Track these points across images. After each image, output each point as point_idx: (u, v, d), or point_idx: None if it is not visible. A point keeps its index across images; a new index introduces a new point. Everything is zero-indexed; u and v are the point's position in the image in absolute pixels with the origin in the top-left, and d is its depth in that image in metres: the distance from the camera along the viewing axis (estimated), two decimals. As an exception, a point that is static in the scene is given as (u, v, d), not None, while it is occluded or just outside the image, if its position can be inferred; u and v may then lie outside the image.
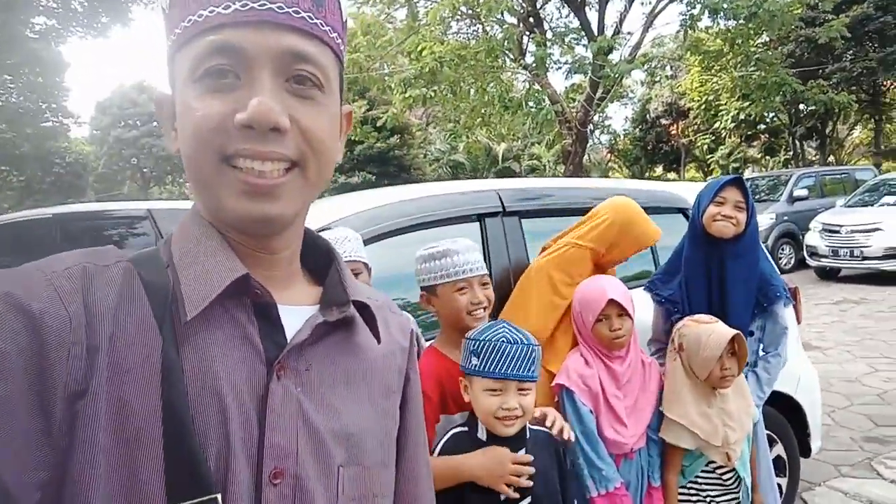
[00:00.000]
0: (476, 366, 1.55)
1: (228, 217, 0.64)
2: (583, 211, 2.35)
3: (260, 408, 0.63)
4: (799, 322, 2.99)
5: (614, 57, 11.47)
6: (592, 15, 12.43)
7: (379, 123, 14.54)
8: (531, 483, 1.54)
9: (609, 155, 31.05)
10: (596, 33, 11.87)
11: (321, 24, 0.65)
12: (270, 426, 0.62)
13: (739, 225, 2.14)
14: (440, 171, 26.49)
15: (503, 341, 1.55)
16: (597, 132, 24.94)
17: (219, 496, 0.58)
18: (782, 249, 11.46)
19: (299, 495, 0.64)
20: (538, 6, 12.77)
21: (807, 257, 10.64)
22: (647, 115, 28.37)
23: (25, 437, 0.53)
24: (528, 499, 1.54)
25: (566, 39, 12.26)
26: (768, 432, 2.55)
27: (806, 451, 2.96)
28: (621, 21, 12.27)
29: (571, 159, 13.17)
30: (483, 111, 13.91)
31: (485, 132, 18.22)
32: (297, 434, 0.64)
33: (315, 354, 0.69)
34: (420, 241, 1.91)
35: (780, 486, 2.78)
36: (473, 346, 1.58)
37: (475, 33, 13.09)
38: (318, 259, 0.78)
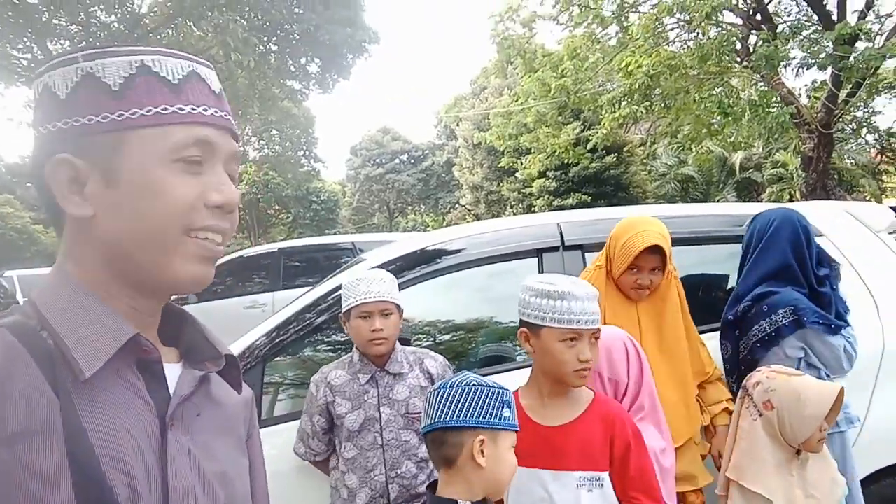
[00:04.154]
0: (508, 418, 1.40)
1: (180, 279, 0.74)
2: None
3: (159, 456, 0.70)
4: None
5: (862, 46, 9.77)
6: (832, 1, 10.74)
7: (589, 146, 14.29)
8: None
9: (879, 156, 26.18)
10: (836, 20, 10.23)
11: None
12: (172, 472, 0.70)
13: None
14: (667, 186, 24.97)
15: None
16: (862, 131, 21.31)
17: None
18: None
19: None
20: (766, 1, 11.47)
21: None
22: (931, 105, 23.34)
23: None
24: None
25: (804, 33, 10.80)
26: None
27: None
28: (869, 4, 10.39)
29: (814, 166, 11.50)
30: (707, 120, 12.89)
31: (715, 142, 16.82)
32: (192, 477, 0.72)
33: (196, 405, 0.77)
34: (475, 278, 1.91)
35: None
36: (506, 395, 1.42)
37: (692, 40, 12.21)
38: (168, 322, 0.84)
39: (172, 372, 0.77)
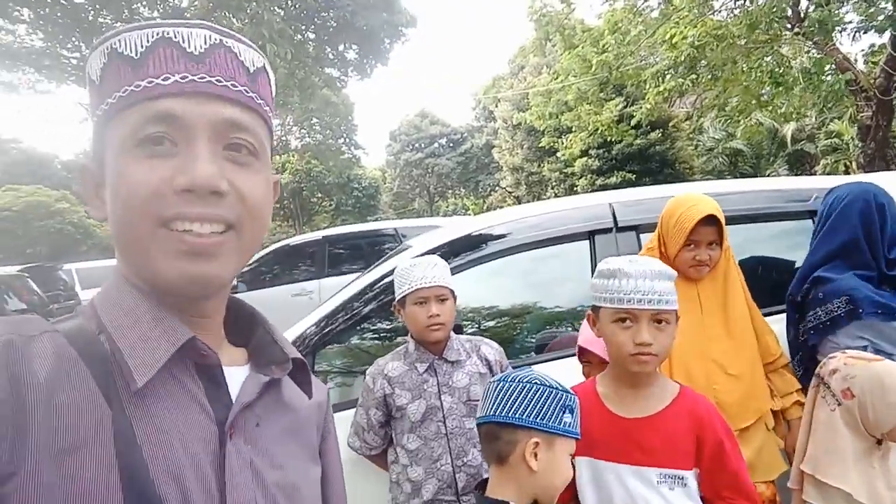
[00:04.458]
0: (569, 424, 1.32)
1: (165, 279, 0.65)
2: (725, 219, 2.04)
3: (217, 467, 0.66)
4: None
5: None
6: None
7: (633, 122, 13.94)
8: None
9: (944, 122, 24.74)
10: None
11: (255, 97, 0.70)
12: (231, 485, 0.66)
13: None
14: (714, 161, 24.25)
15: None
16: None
17: None
18: None
19: None
20: (819, -38, 10.89)
21: None
22: None
23: None
24: None
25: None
26: None
27: None
28: (934, -43, 9.74)
29: (873, 135, 10.96)
30: (756, 91, 12.38)
31: (765, 114, 16.20)
32: (253, 489, 0.68)
33: (259, 412, 0.73)
34: (524, 263, 1.85)
35: None
36: (570, 400, 1.34)
37: (739, 8, 11.71)
38: (239, 322, 0.81)
39: (238, 375, 0.73)
